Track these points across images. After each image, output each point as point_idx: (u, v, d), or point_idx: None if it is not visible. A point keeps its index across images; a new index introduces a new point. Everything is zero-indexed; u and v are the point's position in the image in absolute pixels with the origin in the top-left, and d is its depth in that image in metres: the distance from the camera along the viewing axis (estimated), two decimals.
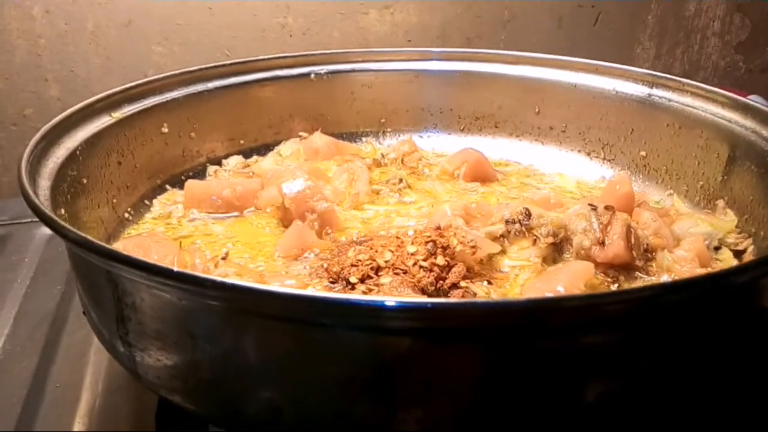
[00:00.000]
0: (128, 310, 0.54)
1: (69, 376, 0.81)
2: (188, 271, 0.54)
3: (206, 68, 1.03)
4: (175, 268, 0.46)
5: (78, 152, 0.80)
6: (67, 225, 0.53)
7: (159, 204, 0.95)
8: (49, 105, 1.33)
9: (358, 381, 0.53)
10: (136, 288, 0.52)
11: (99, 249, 0.51)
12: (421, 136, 1.18)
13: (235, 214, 0.94)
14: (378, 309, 0.45)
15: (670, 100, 0.97)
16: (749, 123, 0.85)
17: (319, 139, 1.11)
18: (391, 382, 0.53)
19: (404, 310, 0.45)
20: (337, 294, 0.64)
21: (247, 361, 0.53)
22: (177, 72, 1.00)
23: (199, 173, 1.04)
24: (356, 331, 0.51)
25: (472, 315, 0.46)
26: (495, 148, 1.14)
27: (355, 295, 0.64)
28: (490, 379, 0.52)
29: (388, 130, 1.18)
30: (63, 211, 0.70)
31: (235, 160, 1.08)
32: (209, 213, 0.93)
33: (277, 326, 0.51)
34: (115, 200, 0.89)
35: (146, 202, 0.95)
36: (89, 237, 0.52)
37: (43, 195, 0.65)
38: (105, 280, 0.55)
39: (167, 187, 0.99)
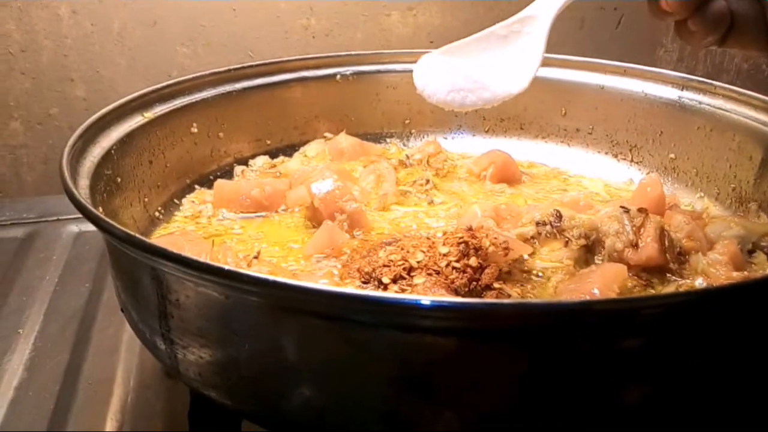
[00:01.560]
0: (171, 307, 0.54)
1: (101, 372, 0.81)
2: (237, 269, 0.54)
3: (235, 69, 1.04)
4: (226, 266, 0.47)
5: (113, 151, 0.80)
6: (114, 223, 0.54)
7: (188, 203, 0.96)
8: (74, 105, 1.34)
9: (398, 380, 0.53)
10: (182, 285, 0.52)
11: (148, 247, 0.51)
12: (446, 138, 1.18)
13: (264, 213, 0.94)
14: (433, 309, 0.45)
15: (700, 103, 0.96)
16: None
17: (344, 139, 1.11)
18: (431, 381, 0.53)
19: (452, 309, 0.46)
20: (385, 293, 0.63)
21: (288, 358, 0.54)
22: (206, 72, 1.01)
23: (227, 173, 1.04)
24: (397, 330, 0.51)
25: (524, 316, 0.46)
26: (520, 149, 1.13)
27: (404, 295, 0.64)
28: (532, 379, 0.52)
29: (413, 131, 1.19)
30: (101, 209, 0.71)
31: (261, 161, 1.08)
32: (238, 212, 0.94)
33: (320, 324, 0.51)
34: (146, 199, 0.89)
35: (176, 201, 0.95)
36: (137, 235, 0.52)
37: (84, 194, 0.66)
38: (149, 278, 0.55)
39: (196, 186, 0.99)
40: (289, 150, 1.12)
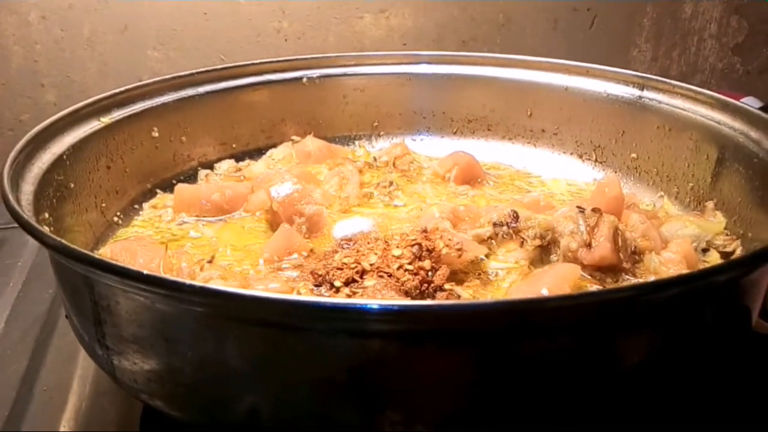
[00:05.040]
0: (104, 313, 0.54)
1: (57, 378, 0.81)
2: (156, 273, 0.54)
3: (196, 73, 1.04)
4: (145, 271, 0.46)
5: (65, 157, 0.80)
6: (38, 226, 0.54)
7: (149, 208, 0.96)
8: (45, 110, 1.34)
9: (337, 384, 0.53)
10: (111, 291, 0.52)
11: (70, 252, 0.51)
12: (414, 139, 1.18)
13: (224, 217, 0.94)
14: (342, 311, 0.45)
15: (660, 102, 0.96)
16: (738, 125, 0.84)
17: (311, 142, 1.11)
18: (370, 384, 0.53)
19: (365, 312, 0.45)
20: (299, 297, 0.63)
21: (219, 364, 0.53)
22: (167, 77, 1.00)
23: (191, 177, 1.04)
24: (328, 333, 0.51)
25: (431, 318, 0.46)
26: (488, 150, 1.13)
27: (319, 298, 0.64)
28: (466, 380, 0.52)
29: (381, 133, 1.19)
30: (47, 215, 0.71)
31: (227, 164, 1.08)
32: (199, 217, 0.93)
33: (245, 329, 0.51)
34: (104, 204, 0.89)
35: (136, 206, 0.95)
36: (63, 240, 0.52)
37: (25, 199, 0.66)
38: (82, 284, 0.55)
39: (158, 191, 0.99)
40: (256, 153, 1.12)
